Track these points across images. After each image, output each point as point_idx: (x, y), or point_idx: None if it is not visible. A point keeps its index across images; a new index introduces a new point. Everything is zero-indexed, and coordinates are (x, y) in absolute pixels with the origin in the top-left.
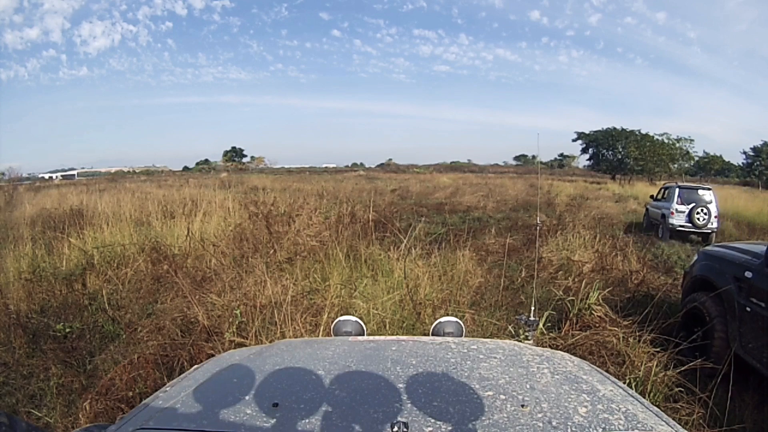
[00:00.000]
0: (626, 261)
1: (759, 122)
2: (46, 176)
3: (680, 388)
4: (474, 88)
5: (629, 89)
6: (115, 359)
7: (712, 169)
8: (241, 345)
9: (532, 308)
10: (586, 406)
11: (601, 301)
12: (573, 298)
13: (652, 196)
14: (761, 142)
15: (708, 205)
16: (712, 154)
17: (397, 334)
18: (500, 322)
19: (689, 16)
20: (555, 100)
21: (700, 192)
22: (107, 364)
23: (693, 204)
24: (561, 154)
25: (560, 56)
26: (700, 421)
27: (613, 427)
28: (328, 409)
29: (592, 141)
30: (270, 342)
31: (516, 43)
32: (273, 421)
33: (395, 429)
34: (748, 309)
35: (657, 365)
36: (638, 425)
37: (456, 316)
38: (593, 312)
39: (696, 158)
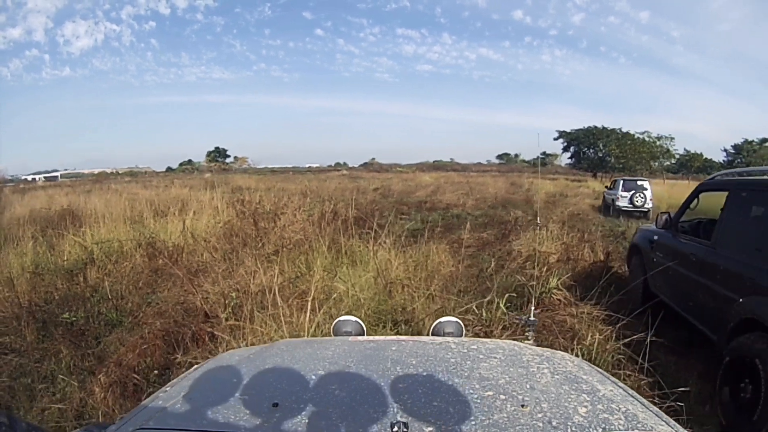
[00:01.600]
0: (593, 252)
1: (741, 120)
2: (29, 178)
3: (621, 355)
4: (457, 87)
5: (613, 88)
6: (122, 340)
7: (692, 166)
8: (235, 327)
9: (532, 308)
10: (586, 406)
11: (560, 286)
12: (534, 283)
13: (606, 186)
14: (742, 140)
15: (644, 191)
16: (692, 151)
17: (370, 308)
18: (469, 304)
19: (673, 16)
20: (538, 99)
21: (639, 182)
22: (115, 346)
23: (633, 191)
24: (544, 153)
25: (543, 55)
26: (646, 388)
27: (613, 427)
28: (328, 409)
29: (574, 139)
30: (263, 325)
31: (499, 42)
32: (273, 421)
33: (395, 429)
34: (655, 260)
35: (604, 338)
36: (638, 425)
37: (425, 295)
38: (553, 296)
39: (677, 156)
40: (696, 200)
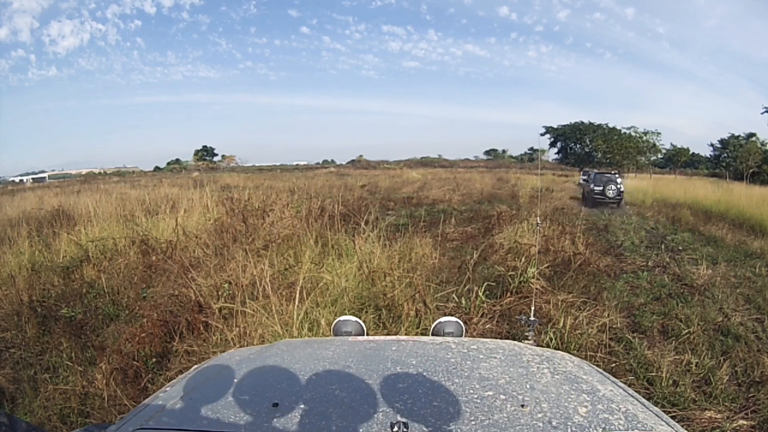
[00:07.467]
0: (574, 245)
1: (728, 115)
2: (17, 179)
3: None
4: (444, 83)
5: (599, 84)
6: (120, 332)
7: (679, 161)
8: (228, 315)
9: (533, 308)
10: (586, 406)
11: (538, 276)
12: (512, 273)
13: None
14: (729, 135)
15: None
16: (679, 146)
17: (354, 294)
18: (450, 293)
19: (658, 12)
20: (525, 95)
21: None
22: (113, 337)
23: (586, 177)
24: (531, 148)
25: (529, 51)
26: (619, 370)
27: (613, 427)
28: (328, 409)
29: (560, 135)
30: (254, 313)
31: (485, 38)
32: (273, 421)
33: (395, 429)
34: (583, 190)
35: (577, 322)
36: (638, 425)
37: (405, 283)
38: (531, 285)
39: (663, 151)
40: (586, 176)
